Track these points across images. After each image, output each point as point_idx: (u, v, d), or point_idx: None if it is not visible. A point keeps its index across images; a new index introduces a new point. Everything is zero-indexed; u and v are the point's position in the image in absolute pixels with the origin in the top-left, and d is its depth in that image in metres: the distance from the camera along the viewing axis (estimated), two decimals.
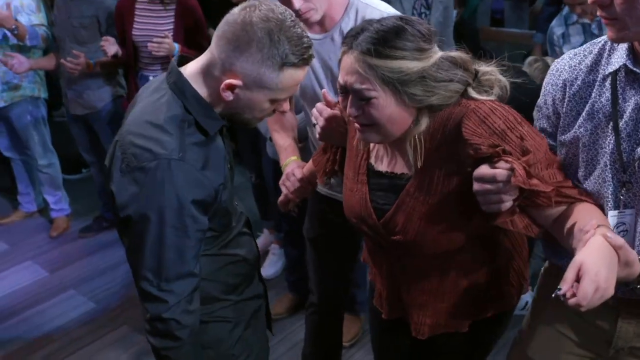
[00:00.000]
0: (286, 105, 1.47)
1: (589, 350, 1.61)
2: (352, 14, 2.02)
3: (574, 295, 1.19)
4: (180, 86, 1.44)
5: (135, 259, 1.44)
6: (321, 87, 2.08)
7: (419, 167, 1.51)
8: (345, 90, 1.49)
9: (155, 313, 1.43)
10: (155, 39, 3.26)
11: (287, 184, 2.10)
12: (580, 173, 1.48)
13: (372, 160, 1.64)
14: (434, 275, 1.64)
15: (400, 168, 1.58)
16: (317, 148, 2.21)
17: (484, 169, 1.38)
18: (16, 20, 3.60)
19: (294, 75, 1.42)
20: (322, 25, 2.04)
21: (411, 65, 1.41)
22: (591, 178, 1.46)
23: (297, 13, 1.91)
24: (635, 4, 1.23)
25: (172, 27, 3.38)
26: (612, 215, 1.41)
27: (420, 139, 1.49)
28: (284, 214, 3.13)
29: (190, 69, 1.47)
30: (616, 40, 1.33)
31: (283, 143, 2.28)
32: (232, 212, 1.62)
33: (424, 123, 1.48)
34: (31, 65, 3.73)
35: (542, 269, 1.75)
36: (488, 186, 1.37)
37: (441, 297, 1.66)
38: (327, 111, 1.80)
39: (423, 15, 3.95)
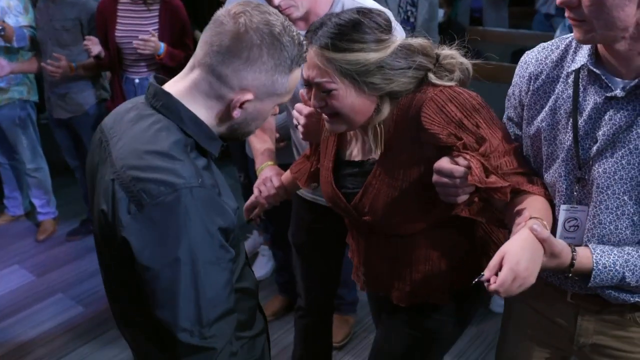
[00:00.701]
0: (277, 108, 1.45)
1: (556, 348, 1.66)
2: (339, 10, 2.00)
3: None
4: (173, 109, 1.30)
5: (168, 311, 1.21)
6: (302, 82, 2.06)
7: (379, 153, 1.58)
8: (308, 84, 1.56)
9: None
10: (140, 37, 3.23)
11: (262, 189, 2.09)
12: (543, 166, 1.53)
13: (343, 150, 1.72)
14: (408, 251, 1.69)
15: (366, 154, 1.66)
16: (299, 149, 2.21)
17: (443, 163, 1.44)
18: (3, 21, 3.57)
19: (297, 75, 1.37)
20: (307, 21, 2.03)
21: (368, 56, 1.47)
22: (550, 171, 1.50)
23: (277, 9, 1.90)
24: (602, 7, 1.24)
25: (156, 27, 3.36)
26: (564, 209, 1.46)
27: (380, 126, 1.56)
28: (268, 215, 3.13)
29: (179, 89, 1.32)
30: (583, 41, 1.35)
31: (260, 147, 2.26)
32: (241, 239, 1.47)
33: (386, 110, 1.55)
34: (12, 69, 3.69)
35: None
36: (446, 180, 1.44)
37: (416, 271, 1.70)
38: (307, 109, 1.82)
39: (409, 13, 4.00)
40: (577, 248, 1.38)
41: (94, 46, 3.39)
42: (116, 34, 3.42)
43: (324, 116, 1.59)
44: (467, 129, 1.47)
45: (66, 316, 3.41)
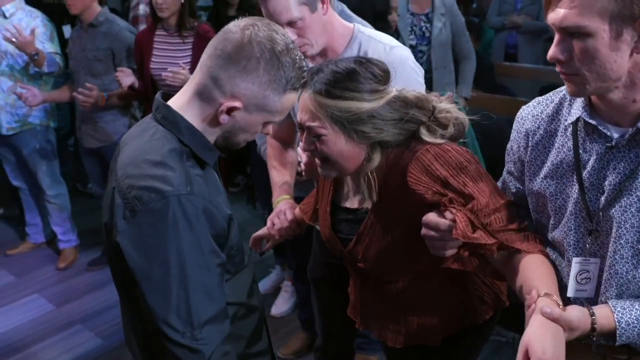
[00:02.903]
0: (270, 129, 1.47)
1: None
2: (356, 47, 2.02)
3: None
4: (171, 120, 1.37)
5: (160, 312, 1.28)
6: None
7: (374, 201, 1.60)
8: (301, 127, 1.59)
9: None
10: (170, 69, 3.23)
11: (276, 221, 2.08)
12: (551, 222, 1.50)
13: (339, 195, 1.76)
14: (401, 296, 1.72)
15: (360, 202, 1.69)
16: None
17: (430, 217, 1.46)
18: (36, 47, 3.59)
19: (293, 99, 1.41)
20: (325, 56, 2.03)
21: (360, 105, 1.50)
22: (560, 226, 1.47)
23: None
24: (595, 59, 1.24)
25: (189, 60, 3.36)
26: (576, 262, 1.44)
27: (373, 175, 1.58)
28: (292, 250, 3.07)
29: (180, 101, 1.40)
30: (576, 95, 1.36)
31: (278, 180, 2.25)
32: (244, 250, 1.52)
33: (376, 159, 1.57)
34: (45, 98, 3.71)
35: None
36: (432, 233, 1.46)
37: (410, 314, 1.73)
38: None
39: (424, 29, 4.15)
40: (595, 309, 1.35)
41: (126, 77, 3.41)
42: (151, 66, 3.43)
43: (317, 161, 1.62)
44: (453, 187, 1.49)
45: (84, 349, 3.35)
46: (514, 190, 1.59)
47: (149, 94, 3.52)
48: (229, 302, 1.42)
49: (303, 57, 1.40)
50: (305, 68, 1.39)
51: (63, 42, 3.97)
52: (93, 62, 3.65)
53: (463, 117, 1.60)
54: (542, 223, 1.54)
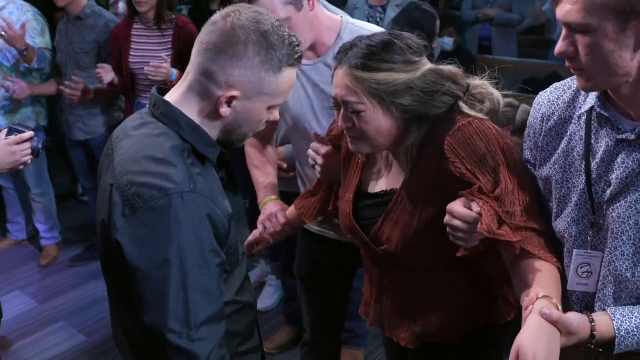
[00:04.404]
0: (277, 114, 1.46)
1: None
2: (347, 37, 1.99)
3: None
4: (172, 116, 1.34)
5: (157, 313, 1.24)
6: (314, 113, 2.05)
7: (408, 175, 1.57)
8: (337, 104, 1.56)
9: None
10: (152, 63, 3.21)
11: (268, 225, 2.06)
12: (554, 210, 1.48)
13: (366, 183, 1.71)
14: (423, 288, 1.66)
15: (390, 184, 1.64)
16: (306, 182, 2.19)
17: (456, 206, 1.42)
18: (27, 42, 3.55)
19: (290, 77, 1.38)
20: (315, 50, 2.03)
21: (398, 77, 1.47)
22: (562, 216, 1.45)
23: None
24: (598, 55, 1.23)
25: (170, 53, 3.34)
26: (578, 254, 1.41)
27: (411, 149, 1.55)
28: (279, 243, 3.06)
29: (176, 96, 1.37)
30: (586, 89, 1.35)
31: (262, 180, 2.23)
32: (239, 249, 1.50)
33: (415, 133, 1.54)
34: (32, 91, 3.68)
35: None
36: (457, 222, 1.41)
37: (431, 308, 1.67)
38: (324, 148, 1.82)
39: (378, 19, 4.25)
40: (595, 317, 1.32)
41: (107, 74, 3.38)
42: (130, 60, 3.42)
43: (348, 137, 1.58)
44: (488, 166, 1.46)
45: (68, 345, 3.34)
46: (532, 179, 1.55)
47: (128, 89, 3.51)
48: (225, 300, 1.38)
49: (292, 33, 1.38)
50: (296, 43, 1.36)
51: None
52: (80, 55, 3.63)
53: (497, 94, 1.57)
54: (549, 211, 1.51)
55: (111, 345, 3.25)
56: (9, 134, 2.12)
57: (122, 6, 4.45)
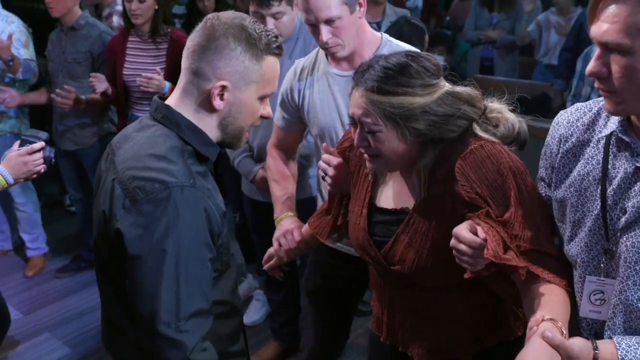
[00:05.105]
0: (270, 110, 1.50)
1: None
2: (385, 53, 2.00)
3: None
4: (172, 119, 1.42)
5: (150, 302, 1.31)
6: (342, 124, 2.06)
7: (421, 197, 1.56)
8: (354, 122, 1.56)
9: (180, 358, 1.32)
10: (144, 74, 3.22)
11: (283, 242, 2.05)
12: (567, 234, 1.46)
13: (376, 197, 1.69)
14: (433, 306, 1.66)
15: (402, 202, 1.63)
16: (324, 196, 2.17)
17: (462, 230, 1.41)
18: (12, 53, 3.54)
19: (274, 65, 1.45)
20: (351, 62, 2.03)
21: (413, 100, 1.46)
22: (576, 240, 1.43)
23: (324, 45, 1.92)
24: (633, 78, 1.20)
25: (164, 66, 3.35)
26: (590, 281, 1.39)
27: (425, 171, 1.55)
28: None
29: (173, 101, 1.45)
30: (613, 113, 1.30)
31: (280, 195, 2.22)
32: (230, 249, 1.55)
33: (429, 156, 1.54)
34: (22, 100, 3.68)
35: None
36: (463, 247, 1.40)
37: (441, 326, 1.67)
38: (335, 160, 1.81)
39: None
40: (599, 344, 1.28)
41: (100, 84, 3.39)
42: (124, 72, 3.43)
43: (365, 155, 1.59)
44: (499, 190, 1.46)
45: (53, 357, 3.30)
46: (544, 198, 1.54)
47: (121, 100, 3.51)
48: (215, 299, 1.44)
49: (268, 29, 1.46)
50: (273, 35, 1.44)
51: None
52: (72, 65, 3.64)
53: (513, 118, 1.57)
54: (562, 233, 1.49)
55: (97, 357, 3.24)
56: (21, 145, 2.20)
57: (116, 19, 4.46)
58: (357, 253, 1.77)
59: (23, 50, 3.71)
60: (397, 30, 3.44)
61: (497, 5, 5.79)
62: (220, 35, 1.38)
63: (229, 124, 1.46)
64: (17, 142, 2.22)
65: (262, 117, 1.51)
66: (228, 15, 1.43)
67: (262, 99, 1.47)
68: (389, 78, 1.47)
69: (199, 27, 1.43)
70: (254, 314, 3.56)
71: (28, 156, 2.17)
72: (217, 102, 1.40)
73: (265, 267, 2.09)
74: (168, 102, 1.46)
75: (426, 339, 1.69)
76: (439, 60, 4.78)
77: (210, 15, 1.44)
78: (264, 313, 3.59)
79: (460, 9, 6.80)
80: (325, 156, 1.84)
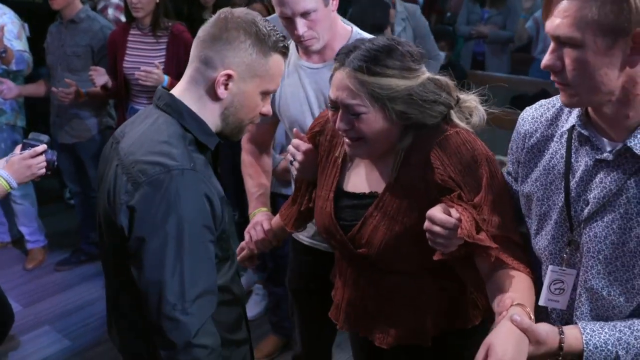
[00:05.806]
0: (270, 108, 1.53)
1: None
2: None
3: None
4: (174, 106, 1.46)
5: (155, 285, 1.34)
6: (312, 116, 2.06)
7: (392, 180, 1.59)
8: (335, 105, 1.56)
9: (184, 340, 1.34)
10: (143, 68, 3.22)
11: (252, 233, 2.07)
12: (533, 228, 1.50)
13: (344, 182, 1.72)
14: (398, 291, 1.69)
15: (372, 187, 1.66)
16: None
17: (435, 212, 1.43)
18: (5, 45, 3.53)
19: (279, 63, 1.50)
20: (322, 55, 2.04)
21: (400, 83, 1.49)
22: (542, 233, 1.47)
23: (300, 39, 1.93)
24: (584, 71, 1.23)
25: (163, 59, 3.35)
26: (553, 270, 1.42)
27: (401, 154, 1.58)
28: (269, 252, 3.07)
29: (179, 89, 1.50)
30: (568, 105, 1.35)
31: (255, 190, 2.24)
32: (231, 237, 1.58)
33: (408, 140, 1.57)
34: (20, 92, 3.67)
35: None
36: (437, 228, 1.43)
37: (405, 311, 1.70)
38: (305, 145, 1.82)
39: None
40: (565, 329, 1.33)
41: (99, 77, 3.39)
42: (124, 65, 3.43)
43: (345, 140, 1.60)
44: (472, 175, 1.50)
45: (52, 350, 3.31)
46: (511, 192, 1.58)
47: (121, 93, 3.51)
48: (219, 284, 1.46)
49: (278, 29, 1.50)
50: (281, 36, 1.49)
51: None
52: (72, 58, 3.63)
53: (482, 110, 1.61)
54: (529, 227, 1.53)
55: (97, 351, 3.26)
56: (24, 148, 2.21)
57: (111, 12, 4.45)
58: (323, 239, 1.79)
59: (16, 41, 3.70)
60: (357, 6, 3.38)
61: (489, 1, 5.82)
62: (232, 27, 1.43)
63: (230, 114, 1.50)
64: (19, 146, 2.24)
65: (261, 114, 1.54)
66: (241, 11, 1.49)
67: (264, 94, 1.51)
68: (378, 59, 1.49)
69: (212, 19, 1.48)
70: (253, 308, 3.57)
71: (31, 159, 2.18)
72: (221, 91, 1.44)
73: (238, 258, 2.10)
74: (173, 91, 1.50)
75: (389, 325, 1.72)
76: (441, 56, 4.76)
77: (224, 10, 1.49)
78: (263, 307, 3.60)
79: (458, 4, 6.81)
80: (294, 141, 1.86)
